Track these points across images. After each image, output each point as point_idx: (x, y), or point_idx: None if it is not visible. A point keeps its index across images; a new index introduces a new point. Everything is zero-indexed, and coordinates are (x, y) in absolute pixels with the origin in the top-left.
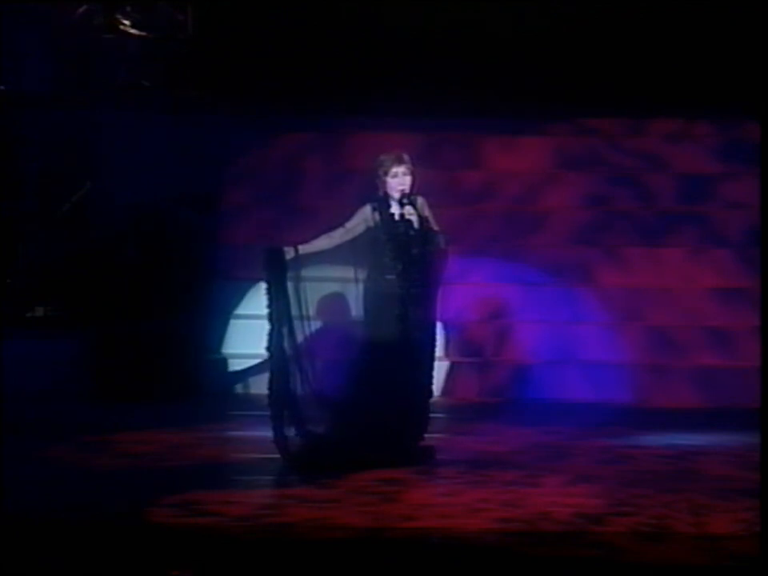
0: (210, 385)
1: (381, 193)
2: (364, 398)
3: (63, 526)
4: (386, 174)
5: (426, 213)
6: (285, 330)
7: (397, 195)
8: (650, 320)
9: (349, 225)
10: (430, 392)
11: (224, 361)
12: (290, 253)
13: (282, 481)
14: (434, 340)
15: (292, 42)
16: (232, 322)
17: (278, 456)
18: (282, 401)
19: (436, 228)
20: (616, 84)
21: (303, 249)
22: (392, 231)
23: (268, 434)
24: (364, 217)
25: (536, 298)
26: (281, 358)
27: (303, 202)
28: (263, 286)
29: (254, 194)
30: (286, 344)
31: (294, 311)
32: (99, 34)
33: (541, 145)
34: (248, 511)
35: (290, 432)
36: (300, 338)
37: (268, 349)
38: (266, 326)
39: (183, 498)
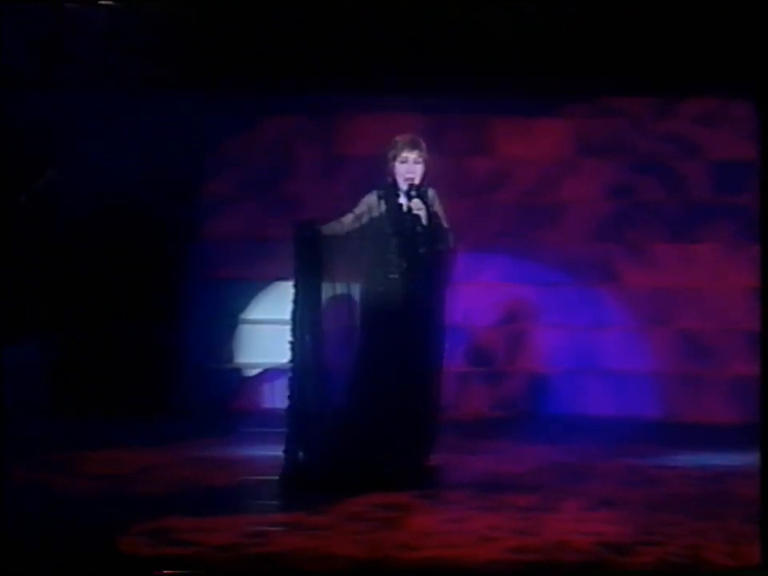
0: (189, 398)
1: (389, 179)
2: (362, 412)
3: (21, 556)
4: (394, 158)
5: (437, 207)
6: (308, 337)
7: (404, 185)
8: (681, 324)
9: (357, 211)
10: (437, 406)
11: (210, 372)
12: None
13: (267, 506)
14: (441, 348)
15: (279, 11)
16: (215, 327)
17: (262, 478)
18: (300, 417)
19: (446, 225)
20: (642, 59)
21: (324, 230)
22: (398, 225)
23: (253, 452)
24: (369, 205)
25: (553, 299)
26: (303, 367)
27: (293, 192)
28: (249, 285)
29: (238, 184)
30: (309, 352)
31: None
32: (60, 2)
33: (558, 128)
34: (230, 540)
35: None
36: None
37: (291, 346)
38: (246, 332)
39: (157, 524)
